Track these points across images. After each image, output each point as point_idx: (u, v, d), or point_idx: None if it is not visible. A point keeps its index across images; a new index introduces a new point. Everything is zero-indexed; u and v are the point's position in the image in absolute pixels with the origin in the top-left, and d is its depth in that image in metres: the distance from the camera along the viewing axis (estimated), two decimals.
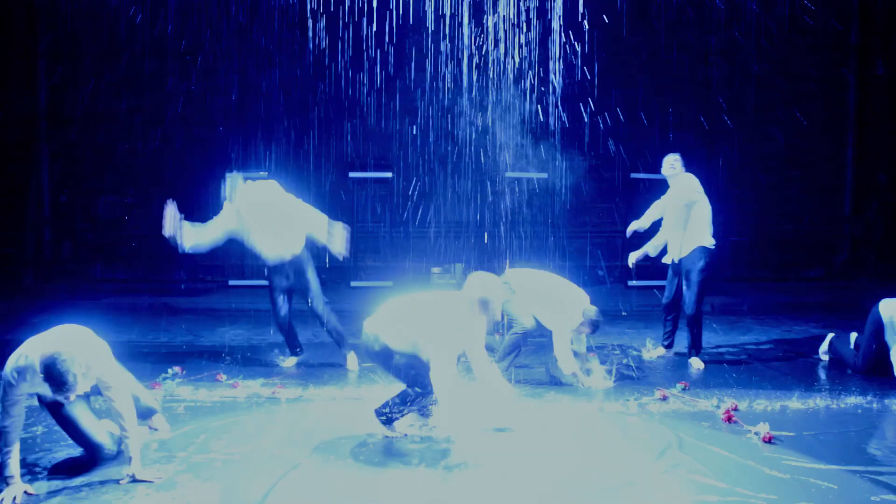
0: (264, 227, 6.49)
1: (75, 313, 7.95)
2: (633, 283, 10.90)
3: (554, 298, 6.45)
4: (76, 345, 4.19)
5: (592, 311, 6.42)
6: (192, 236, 6.38)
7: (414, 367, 4.97)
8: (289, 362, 6.87)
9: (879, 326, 6.50)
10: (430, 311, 5.00)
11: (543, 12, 10.19)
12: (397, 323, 5.03)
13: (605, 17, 10.42)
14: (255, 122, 11.00)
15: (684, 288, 7.04)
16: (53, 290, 10.52)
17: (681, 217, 6.96)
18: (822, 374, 6.79)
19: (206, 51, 10.86)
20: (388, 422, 5.08)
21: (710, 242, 6.96)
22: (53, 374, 3.99)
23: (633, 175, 11.18)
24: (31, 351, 4.18)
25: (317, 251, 6.77)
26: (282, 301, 6.69)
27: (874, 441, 5.11)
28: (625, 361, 7.12)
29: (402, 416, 5.09)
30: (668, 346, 7.38)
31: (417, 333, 4.95)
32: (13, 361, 4.20)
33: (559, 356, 6.34)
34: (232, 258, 11.02)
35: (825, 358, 7.17)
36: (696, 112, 11.40)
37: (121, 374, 4.56)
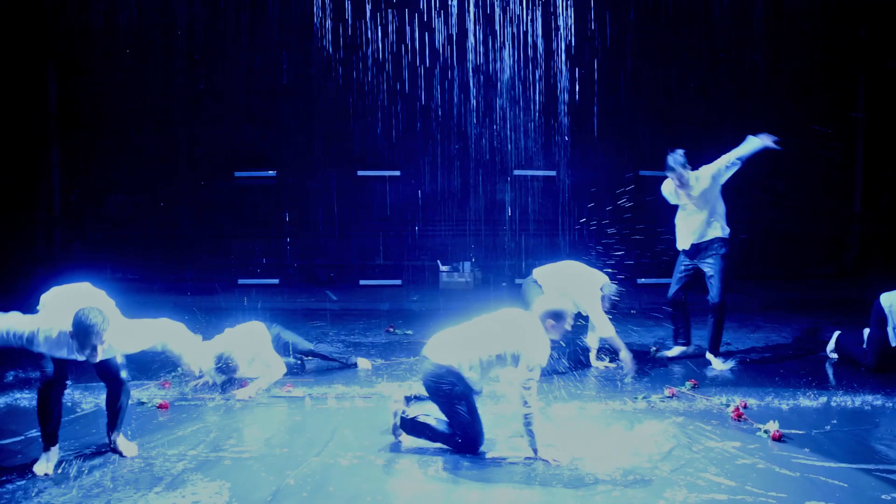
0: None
1: None
2: (643, 280, 10.89)
3: (576, 283, 6.67)
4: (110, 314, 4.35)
5: (611, 289, 6.64)
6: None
7: (472, 420, 4.77)
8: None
9: (882, 317, 6.56)
10: (505, 329, 4.80)
11: (552, 10, 10.17)
12: (472, 347, 4.76)
13: (613, 14, 10.41)
14: (264, 121, 11.02)
15: (708, 275, 6.82)
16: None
17: (702, 204, 6.77)
18: (832, 372, 6.76)
19: (213, 51, 10.89)
20: (406, 429, 4.90)
21: (727, 232, 6.88)
22: (82, 327, 4.11)
23: (643, 172, 11.16)
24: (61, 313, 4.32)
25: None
26: None
27: (885, 439, 5.09)
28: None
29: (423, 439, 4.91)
30: (686, 343, 7.23)
31: (497, 351, 4.73)
32: (46, 321, 4.32)
33: (598, 324, 6.60)
34: (241, 257, 11.08)
35: (833, 356, 7.14)
36: (705, 107, 11.37)
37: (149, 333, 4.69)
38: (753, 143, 6.69)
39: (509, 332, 4.77)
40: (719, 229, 6.84)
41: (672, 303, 7.17)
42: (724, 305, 6.82)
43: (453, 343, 4.84)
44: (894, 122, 11.51)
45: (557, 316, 4.79)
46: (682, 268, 7.06)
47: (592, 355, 6.94)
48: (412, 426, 4.89)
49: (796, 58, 11.35)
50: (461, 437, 4.76)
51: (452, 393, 4.73)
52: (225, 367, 5.96)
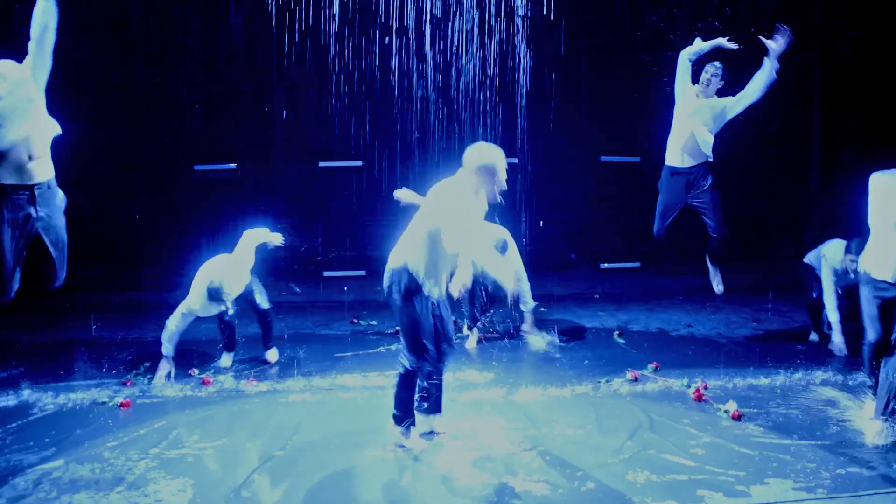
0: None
1: (47, 312, 7.90)
2: (605, 265, 10.98)
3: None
4: None
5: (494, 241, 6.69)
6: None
7: (418, 327, 4.58)
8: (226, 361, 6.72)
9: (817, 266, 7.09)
10: (427, 204, 4.56)
11: None
12: (410, 238, 4.60)
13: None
14: (223, 114, 10.88)
15: (707, 210, 6.64)
16: (23, 289, 10.35)
17: (712, 122, 6.56)
18: (791, 352, 6.86)
19: (171, 42, 10.72)
20: (422, 409, 4.81)
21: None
22: None
23: (603, 158, 11.22)
24: None
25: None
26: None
27: (840, 416, 5.19)
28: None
29: (434, 395, 4.82)
30: None
31: (427, 228, 4.49)
32: None
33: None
34: (203, 251, 10.94)
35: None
36: (664, 93, 11.42)
37: None
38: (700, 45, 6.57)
39: (430, 203, 4.53)
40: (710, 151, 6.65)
41: (659, 239, 6.90)
42: (728, 236, 6.77)
43: (400, 246, 4.69)
44: (849, 104, 11.69)
45: (489, 170, 4.47)
46: (679, 189, 6.68)
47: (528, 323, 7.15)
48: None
49: (752, 41, 11.44)
50: (408, 348, 4.62)
51: (399, 301, 4.57)
52: (216, 295, 6.07)
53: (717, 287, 6.95)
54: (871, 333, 5.07)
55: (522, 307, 7.21)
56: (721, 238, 6.74)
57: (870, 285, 5.03)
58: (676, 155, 6.67)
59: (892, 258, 4.89)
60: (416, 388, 4.77)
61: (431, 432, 4.87)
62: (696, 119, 6.53)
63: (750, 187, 11.75)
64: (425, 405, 4.84)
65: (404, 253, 4.61)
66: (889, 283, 4.93)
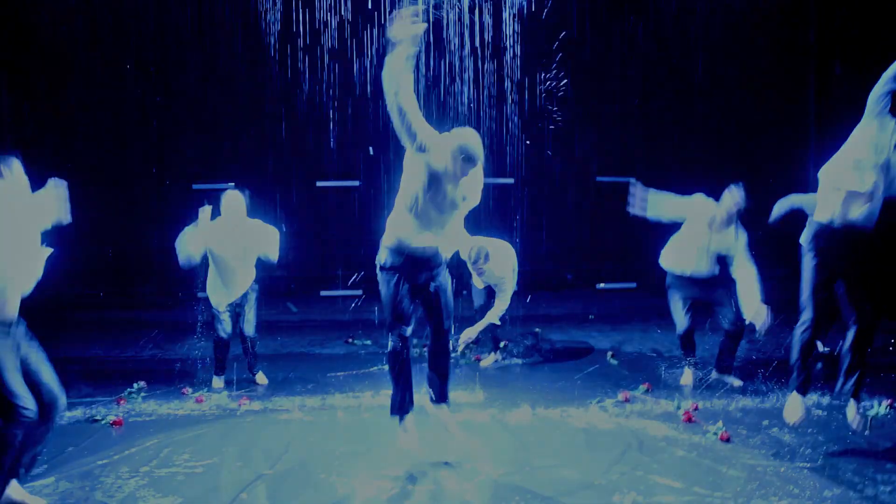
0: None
1: (41, 330, 7.91)
2: (602, 286, 11.01)
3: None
4: None
5: (476, 249, 6.73)
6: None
7: (391, 307, 4.56)
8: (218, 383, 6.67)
9: None
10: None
11: (505, 16, 10.26)
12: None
13: (568, 18, 10.53)
14: (220, 132, 10.95)
15: (723, 304, 6.38)
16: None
17: (711, 239, 6.33)
18: (782, 374, 6.84)
19: (168, 61, 10.81)
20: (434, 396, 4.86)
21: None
22: None
23: (599, 178, 11.28)
24: None
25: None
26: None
27: (830, 439, 5.19)
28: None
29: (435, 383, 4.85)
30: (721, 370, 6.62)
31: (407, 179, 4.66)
32: None
33: None
34: (201, 270, 10.98)
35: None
36: (659, 115, 11.51)
37: None
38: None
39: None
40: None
41: (687, 336, 6.60)
42: (742, 334, 6.50)
43: None
44: (843, 124, 11.72)
45: (466, 155, 4.47)
46: (685, 294, 6.50)
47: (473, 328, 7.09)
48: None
49: (746, 63, 11.54)
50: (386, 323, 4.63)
51: (378, 275, 4.63)
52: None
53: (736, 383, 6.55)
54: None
55: (492, 318, 7.02)
56: (737, 334, 6.43)
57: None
58: (684, 266, 6.42)
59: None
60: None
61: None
62: (706, 250, 6.33)
63: (745, 208, 11.75)
64: (430, 392, 4.87)
65: (388, 226, 4.70)
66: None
